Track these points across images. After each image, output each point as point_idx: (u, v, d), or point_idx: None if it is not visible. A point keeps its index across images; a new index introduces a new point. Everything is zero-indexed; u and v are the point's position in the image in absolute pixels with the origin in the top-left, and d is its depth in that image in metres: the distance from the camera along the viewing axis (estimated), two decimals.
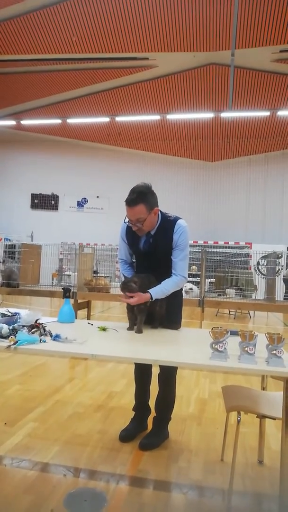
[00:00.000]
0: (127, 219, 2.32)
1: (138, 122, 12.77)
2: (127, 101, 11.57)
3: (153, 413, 2.54)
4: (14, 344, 1.70)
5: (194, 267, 8.71)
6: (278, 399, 1.97)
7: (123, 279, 2.27)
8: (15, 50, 9.07)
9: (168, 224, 2.26)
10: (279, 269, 9.32)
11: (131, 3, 7.46)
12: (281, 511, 1.63)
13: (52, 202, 15.83)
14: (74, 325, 2.29)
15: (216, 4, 7.35)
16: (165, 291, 2.26)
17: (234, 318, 8.68)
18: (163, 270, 2.29)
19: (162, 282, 2.27)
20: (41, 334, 1.87)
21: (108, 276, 6.86)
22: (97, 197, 15.57)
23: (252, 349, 1.60)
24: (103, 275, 6.94)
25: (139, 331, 2.14)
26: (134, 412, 2.60)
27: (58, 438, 2.46)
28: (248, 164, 14.62)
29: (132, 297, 2.14)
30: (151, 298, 2.19)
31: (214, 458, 2.31)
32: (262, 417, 1.99)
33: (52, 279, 7.73)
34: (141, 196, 2.13)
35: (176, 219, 2.29)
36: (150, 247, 2.30)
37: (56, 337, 1.84)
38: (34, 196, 15.87)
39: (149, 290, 2.20)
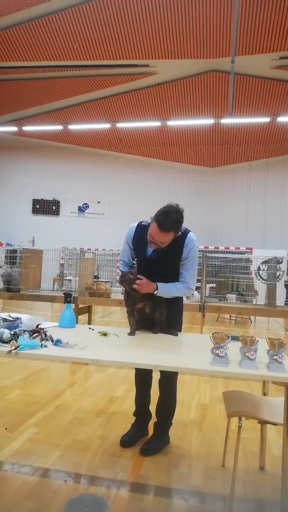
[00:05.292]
0: (135, 224, 2.40)
1: (139, 128, 12.85)
2: (128, 108, 11.66)
3: (154, 419, 2.53)
4: (15, 349, 1.70)
5: None
6: (279, 405, 1.97)
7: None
8: (17, 57, 9.16)
9: (179, 236, 2.28)
10: (279, 274, 9.33)
11: (131, 11, 7.54)
12: None
13: (53, 207, 15.87)
14: (75, 330, 2.29)
15: (216, 11, 7.43)
16: (172, 290, 2.30)
17: (235, 323, 8.66)
18: (167, 278, 2.31)
19: (171, 283, 2.31)
20: (42, 339, 1.88)
21: (109, 281, 6.86)
22: (98, 202, 15.63)
23: (253, 354, 1.60)
24: (104, 280, 6.95)
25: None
26: (135, 418, 2.60)
27: (59, 443, 2.46)
28: (249, 169, 14.68)
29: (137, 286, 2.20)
30: (156, 289, 2.24)
31: (215, 464, 2.30)
32: (263, 422, 1.99)
33: (53, 284, 7.75)
34: (176, 225, 2.16)
35: (186, 231, 2.31)
36: (158, 256, 2.31)
37: (57, 342, 1.84)
38: (35, 202, 15.92)
39: (157, 283, 2.25)
